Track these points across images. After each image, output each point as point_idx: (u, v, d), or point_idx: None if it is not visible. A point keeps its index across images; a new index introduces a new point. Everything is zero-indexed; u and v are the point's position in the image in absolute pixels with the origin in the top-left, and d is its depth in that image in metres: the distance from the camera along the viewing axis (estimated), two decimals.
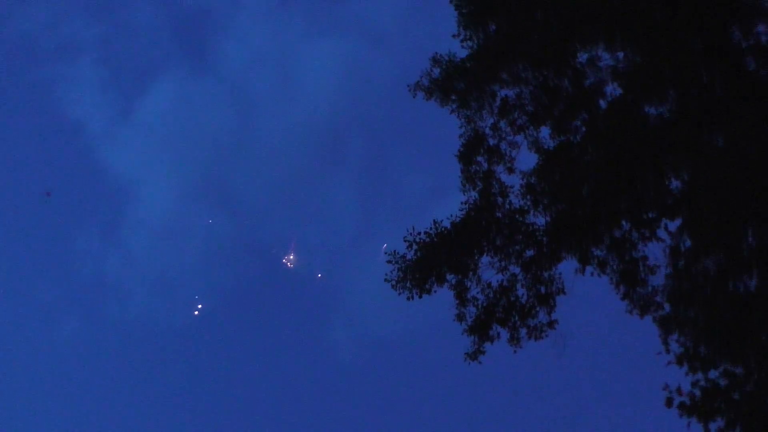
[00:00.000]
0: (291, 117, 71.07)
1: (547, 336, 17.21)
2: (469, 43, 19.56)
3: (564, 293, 17.09)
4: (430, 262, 17.29)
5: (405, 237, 17.14)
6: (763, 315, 13.91)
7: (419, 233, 17.12)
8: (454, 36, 19.45)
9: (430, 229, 17.07)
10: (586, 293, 17.07)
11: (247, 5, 74.72)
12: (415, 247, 17.07)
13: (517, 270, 17.55)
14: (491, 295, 17.46)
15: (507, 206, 18.09)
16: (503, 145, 19.21)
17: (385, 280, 17.60)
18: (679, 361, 14.25)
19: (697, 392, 13.11)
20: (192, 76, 75.92)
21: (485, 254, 17.78)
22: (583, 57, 18.96)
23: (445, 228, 17.14)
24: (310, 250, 69.36)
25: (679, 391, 13.15)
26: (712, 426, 12.81)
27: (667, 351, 15.82)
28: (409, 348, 63.46)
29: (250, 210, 71.38)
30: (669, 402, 13.02)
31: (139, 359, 68.19)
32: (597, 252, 17.29)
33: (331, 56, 69.59)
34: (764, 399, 12.17)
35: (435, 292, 17.76)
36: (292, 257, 65.92)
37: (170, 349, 69.56)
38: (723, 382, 13.17)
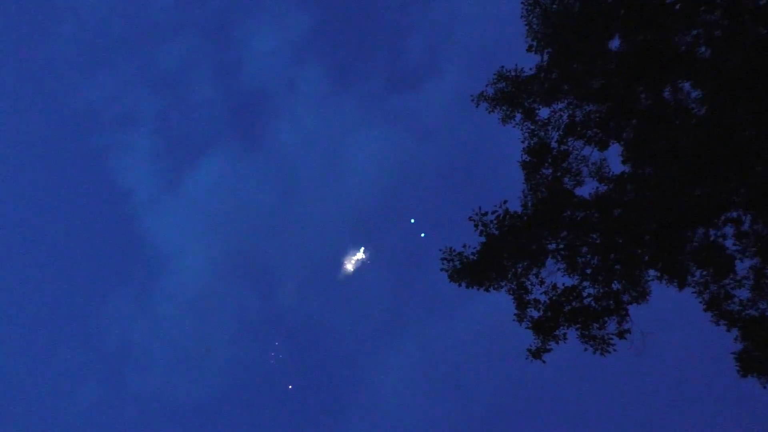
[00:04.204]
0: (334, 201, 70.79)
1: (615, 349, 15.11)
2: (535, 55, 19.11)
3: (646, 300, 15.23)
4: (491, 256, 15.57)
5: (470, 216, 15.52)
6: None
7: (485, 213, 15.51)
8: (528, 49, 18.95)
9: (498, 207, 15.48)
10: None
11: (302, 91, 75.94)
12: (480, 227, 15.39)
13: (586, 274, 15.79)
14: (555, 297, 15.56)
15: (572, 211, 16.65)
16: (571, 158, 18.15)
17: (442, 269, 15.84)
18: None
19: None
20: (242, 154, 76.07)
21: (549, 256, 16.11)
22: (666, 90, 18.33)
23: (516, 212, 15.58)
24: (338, 338, 65.77)
25: None
26: None
27: None
28: None
29: (282, 290, 68.92)
30: None
31: None
32: (676, 261, 15.68)
33: (378, 146, 70.01)
34: None
35: (491, 290, 15.89)
36: None
37: (188, 426, 64.12)
38: None
